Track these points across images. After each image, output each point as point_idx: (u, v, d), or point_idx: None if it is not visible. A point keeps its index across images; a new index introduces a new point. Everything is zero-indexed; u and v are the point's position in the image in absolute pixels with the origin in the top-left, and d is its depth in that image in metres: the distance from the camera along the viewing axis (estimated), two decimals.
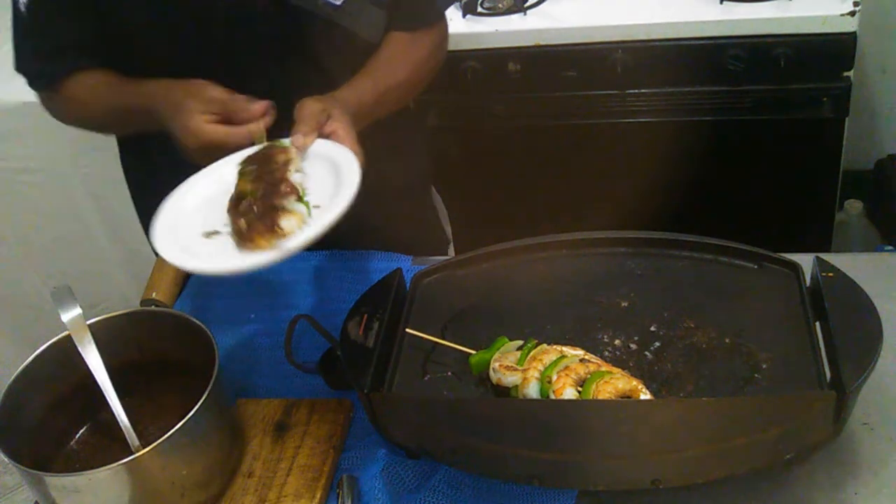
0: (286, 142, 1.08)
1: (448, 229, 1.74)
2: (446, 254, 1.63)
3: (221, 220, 1.03)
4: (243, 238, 0.97)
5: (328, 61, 1.27)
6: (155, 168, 1.38)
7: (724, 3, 1.88)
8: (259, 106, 1.09)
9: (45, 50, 1.28)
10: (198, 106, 1.09)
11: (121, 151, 1.48)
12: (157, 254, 1.02)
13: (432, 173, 1.63)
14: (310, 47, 1.25)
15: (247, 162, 1.06)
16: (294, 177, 1.05)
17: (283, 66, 1.26)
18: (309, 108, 1.10)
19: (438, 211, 1.68)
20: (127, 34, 1.25)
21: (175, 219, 1.06)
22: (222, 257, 0.98)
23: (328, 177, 1.05)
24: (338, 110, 1.10)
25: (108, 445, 1.07)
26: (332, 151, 1.07)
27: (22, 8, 1.26)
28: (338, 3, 1.21)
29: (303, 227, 0.98)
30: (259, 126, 1.08)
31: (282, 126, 1.12)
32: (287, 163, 1.05)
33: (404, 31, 1.30)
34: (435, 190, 1.70)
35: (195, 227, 1.04)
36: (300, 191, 1.02)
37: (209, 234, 1.03)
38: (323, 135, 1.08)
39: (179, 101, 1.10)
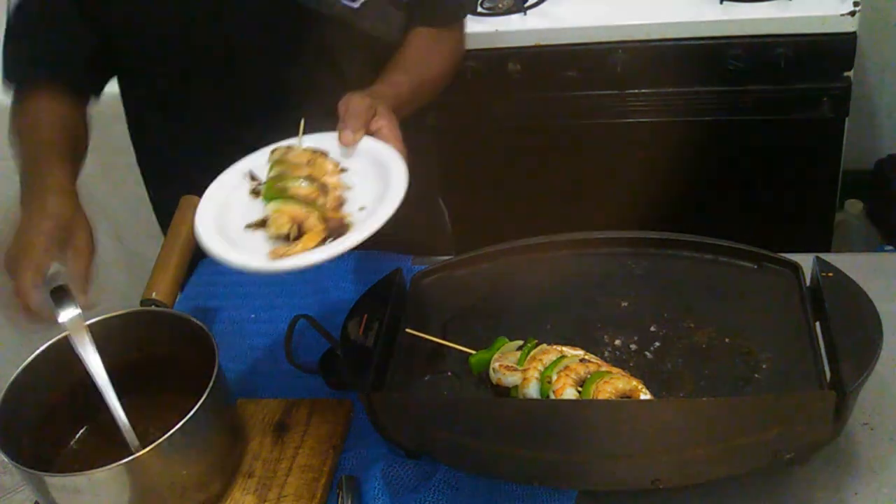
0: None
1: (447, 229, 1.74)
2: (451, 252, 1.63)
3: (262, 211, 1.02)
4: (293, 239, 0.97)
5: (347, 64, 1.27)
6: (170, 156, 1.39)
7: (724, 3, 1.88)
8: None
9: (22, 56, 1.26)
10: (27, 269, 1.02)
11: (133, 140, 1.48)
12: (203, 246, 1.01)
13: (438, 178, 1.63)
14: (328, 51, 1.25)
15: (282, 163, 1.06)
16: (341, 176, 1.05)
17: (302, 71, 1.25)
18: (356, 103, 1.08)
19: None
20: (139, 48, 1.25)
21: (218, 209, 1.05)
22: (265, 255, 0.97)
23: (373, 177, 1.04)
24: (383, 106, 1.09)
25: (108, 445, 1.06)
26: (377, 150, 1.06)
27: (10, 13, 1.25)
28: (355, 5, 1.20)
29: (350, 230, 0.98)
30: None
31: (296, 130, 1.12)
32: (322, 166, 1.05)
33: (429, 27, 1.30)
34: None
35: (237, 218, 1.03)
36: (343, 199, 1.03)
37: (251, 226, 1.02)
38: (368, 131, 1.08)
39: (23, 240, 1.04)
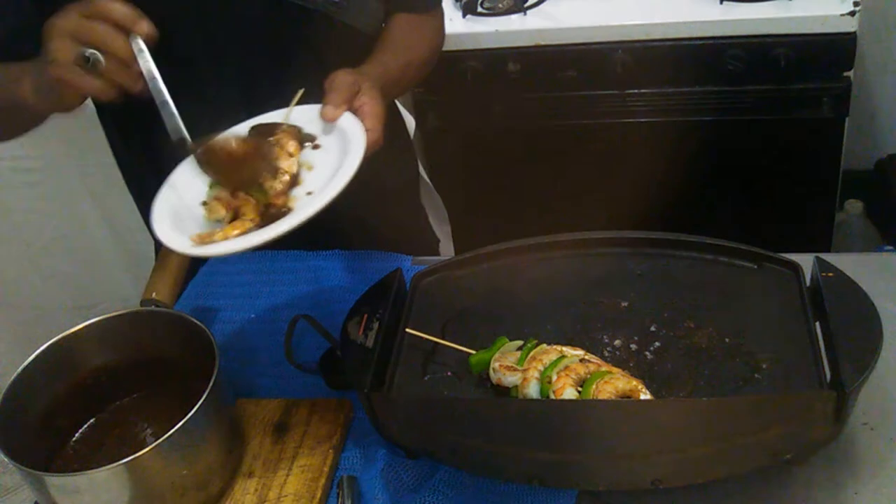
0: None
1: (447, 229, 1.74)
2: (437, 254, 1.63)
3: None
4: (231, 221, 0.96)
5: (330, 57, 1.27)
6: (149, 159, 1.38)
7: (724, 3, 1.88)
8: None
9: None
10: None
11: (110, 143, 1.47)
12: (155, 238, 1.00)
13: (417, 176, 1.62)
14: (311, 45, 1.25)
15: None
16: (309, 155, 1.04)
17: (285, 66, 1.25)
18: (341, 79, 1.08)
19: (429, 212, 1.67)
20: None
21: (189, 178, 1.04)
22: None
23: (336, 157, 1.03)
24: (368, 84, 1.09)
25: (108, 445, 1.07)
26: (349, 130, 1.05)
27: None
28: None
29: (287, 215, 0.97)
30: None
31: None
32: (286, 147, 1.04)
33: (407, 12, 1.31)
34: (435, 190, 1.70)
35: (200, 191, 1.03)
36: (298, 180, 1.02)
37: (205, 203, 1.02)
38: (351, 108, 1.07)
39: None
